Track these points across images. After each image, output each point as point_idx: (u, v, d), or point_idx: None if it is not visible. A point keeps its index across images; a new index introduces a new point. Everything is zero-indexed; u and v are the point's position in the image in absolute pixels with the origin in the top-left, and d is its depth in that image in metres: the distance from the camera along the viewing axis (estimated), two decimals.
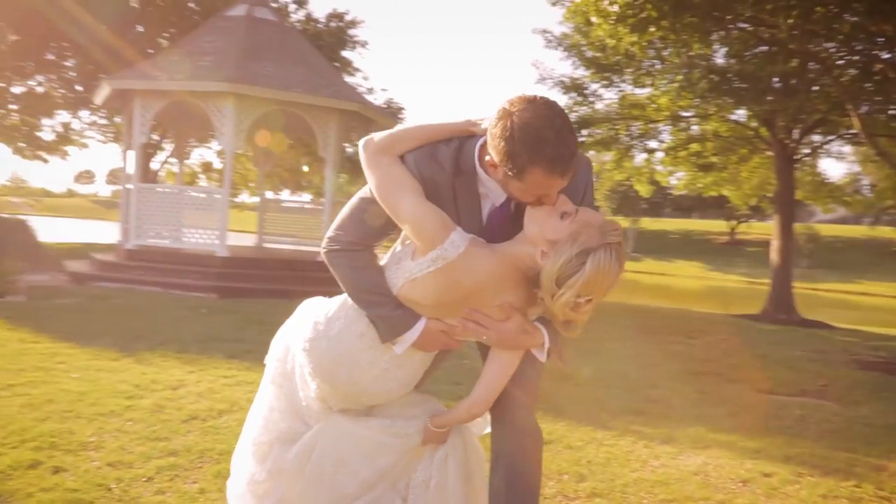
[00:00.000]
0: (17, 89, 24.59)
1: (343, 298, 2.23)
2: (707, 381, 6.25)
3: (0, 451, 3.19)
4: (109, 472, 3.08)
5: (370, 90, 25.33)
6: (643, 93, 14.81)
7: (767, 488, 3.55)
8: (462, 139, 2.03)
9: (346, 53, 24.88)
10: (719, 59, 11.81)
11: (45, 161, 27.29)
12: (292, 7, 24.79)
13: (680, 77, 10.94)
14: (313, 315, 2.28)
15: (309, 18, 24.19)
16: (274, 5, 23.10)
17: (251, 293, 9.94)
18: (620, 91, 14.93)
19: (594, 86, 14.94)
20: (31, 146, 27.63)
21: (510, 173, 1.83)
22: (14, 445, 3.29)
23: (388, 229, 2.08)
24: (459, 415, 2.24)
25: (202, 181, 30.67)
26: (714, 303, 21.13)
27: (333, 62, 23.19)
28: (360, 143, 2.09)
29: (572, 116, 15.33)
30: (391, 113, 25.22)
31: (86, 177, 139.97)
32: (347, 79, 24.44)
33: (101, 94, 12.25)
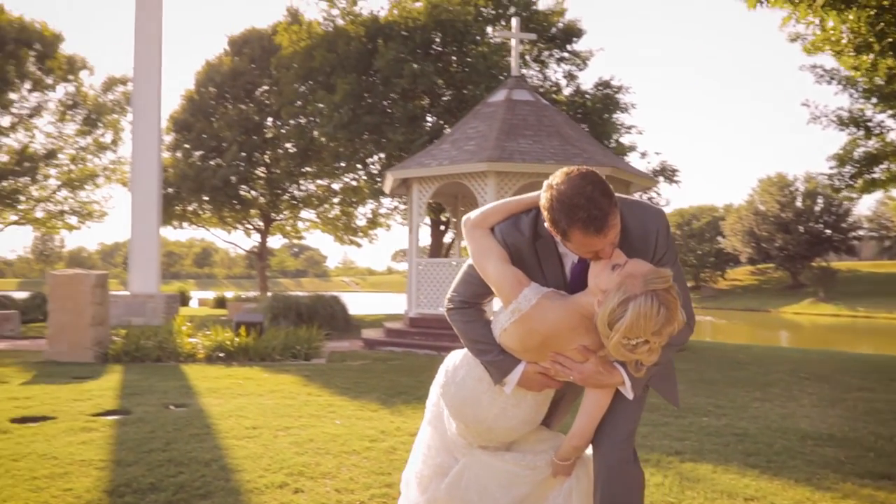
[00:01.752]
0: (335, 185, 29.18)
1: (466, 350, 2.66)
2: None
3: (262, 475, 4.10)
4: (333, 496, 3.79)
5: (643, 154, 25.43)
6: None
7: None
8: (538, 209, 2.39)
9: (619, 117, 25.28)
10: None
11: (359, 245, 31.81)
12: (563, 82, 26.10)
13: None
14: (446, 365, 2.75)
15: (578, 91, 25.18)
16: (542, 83, 24.65)
17: None
18: None
19: (880, 116, 13.40)
20: (348, 233, 32.36)
21: (558, 236, 2.16)
22: (274, 471, 4.19)
23: (490, 290, 2.48)
24: (566, 449, 2.50)
25: None
26: None
27: (603, 128, 23.81)
28: (462, 220, 2.55)
29: (857, 153, 13.90)
30: (667, 175, 24.92)
31: (401, 255, 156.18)
32: (624, 138, 24.82)
33: (388, 183, 14.21)
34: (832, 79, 13.24)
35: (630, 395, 2.33)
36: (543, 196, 2.18)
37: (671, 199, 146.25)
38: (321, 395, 6.93)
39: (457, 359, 2.70)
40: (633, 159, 25.22)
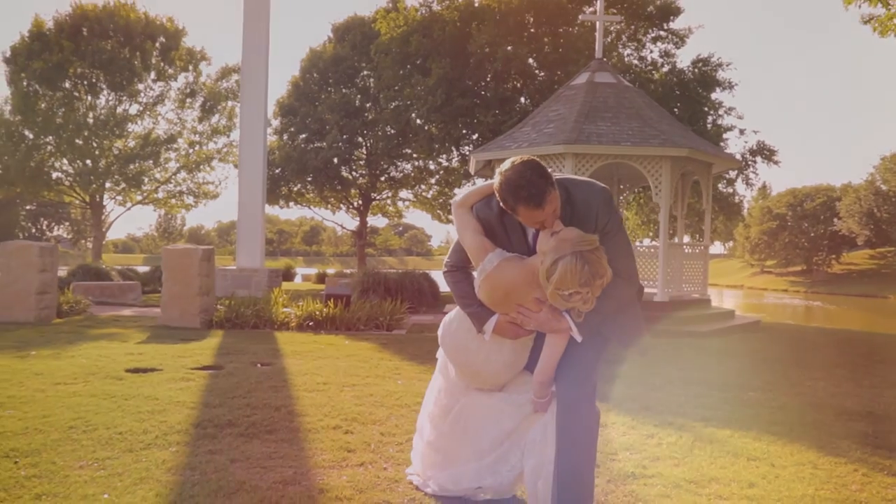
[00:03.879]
0: (431, 166, 30.05)
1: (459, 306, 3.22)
2: None
3: (321, 419, 4.81)
4: (376, 437, 4.44)
5: (742, 131, 24.63)
6: None
7: None
8: None
9: (718, 96, 24.64)
10: None
11: None
12: (660, 61, 25.68)
13: None
14: (444, 320, 3.33)
15: (674, 69, 24.72)
16: (638, 63, 24.38)
17: None
18: None
19: None
20: (445, 212, 33.15)
21: (510, 211, 2.69)
22: (332, 417, 4.89)
23: None
24: (534, 386, 3.03)
25: None
26: None
27: (700, 106, 23.32)
28: (452, 201, 3.11)
29: None
30: (765, 155, 24.11)
31: None
32: (725, 120, 24.23)
33: (472, 164, 14.77)
34: None
35: (578, 337, 2.83)
36: (496, 181, 2.71)
37: (772, 182, 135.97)
38: (392, 360, 7.63)
39: (453, 313, 3.28)
40: (730, 139, 24.56)
